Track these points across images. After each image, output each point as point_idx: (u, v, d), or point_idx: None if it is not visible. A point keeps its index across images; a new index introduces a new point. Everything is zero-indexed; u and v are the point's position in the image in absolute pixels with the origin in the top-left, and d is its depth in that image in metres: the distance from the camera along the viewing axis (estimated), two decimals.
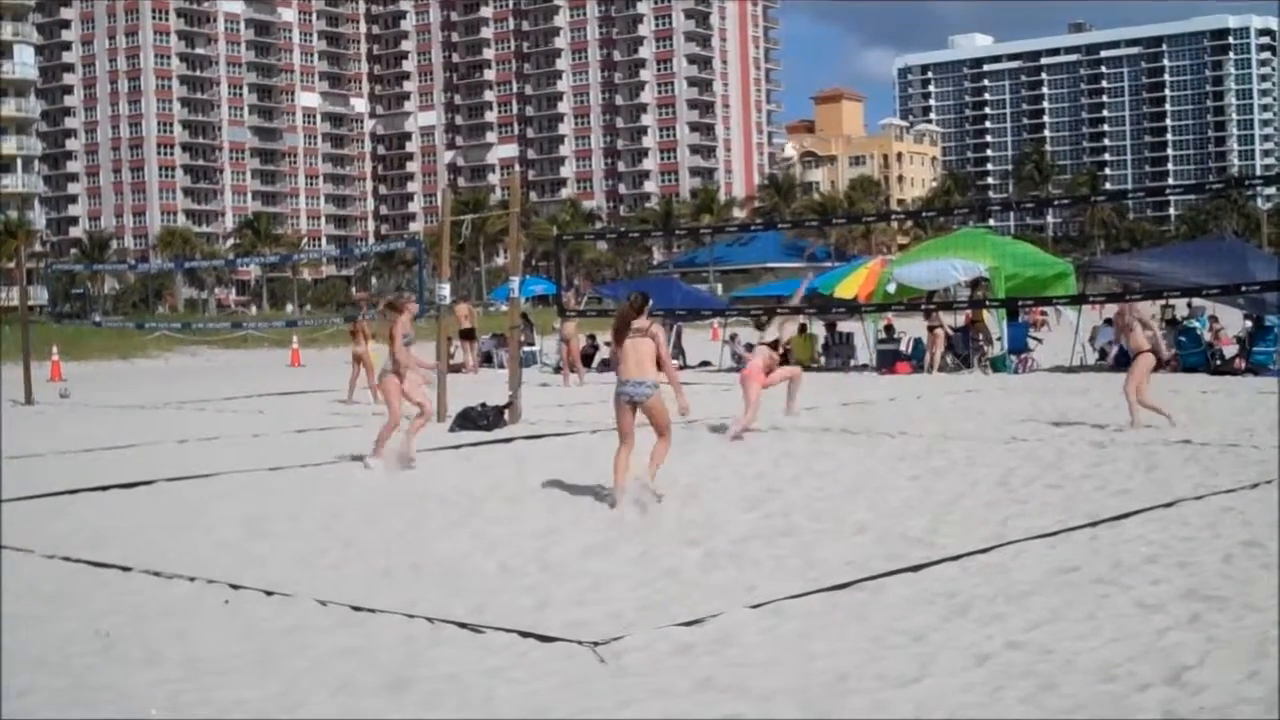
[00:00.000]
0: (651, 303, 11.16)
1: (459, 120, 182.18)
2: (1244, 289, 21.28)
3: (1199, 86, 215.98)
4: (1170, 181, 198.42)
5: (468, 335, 33.77)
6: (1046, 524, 9.29)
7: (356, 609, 7.28)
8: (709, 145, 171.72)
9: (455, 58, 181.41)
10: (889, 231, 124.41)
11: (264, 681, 5.95)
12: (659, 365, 10.71)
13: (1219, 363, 26.11)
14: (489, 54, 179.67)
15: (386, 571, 8.39)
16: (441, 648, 6.46)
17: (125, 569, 8.63)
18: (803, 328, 33.09)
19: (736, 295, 51.36)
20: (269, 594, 7.73)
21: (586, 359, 34.20)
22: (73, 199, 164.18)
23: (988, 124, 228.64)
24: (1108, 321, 34.04)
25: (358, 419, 19.89)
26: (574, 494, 11.50)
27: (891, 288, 29.29)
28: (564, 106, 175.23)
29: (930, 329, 29.26)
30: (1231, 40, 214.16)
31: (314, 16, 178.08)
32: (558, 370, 29.32)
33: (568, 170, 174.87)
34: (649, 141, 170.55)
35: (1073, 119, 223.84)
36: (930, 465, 12.78)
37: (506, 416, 18.02)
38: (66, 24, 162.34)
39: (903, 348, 30.57)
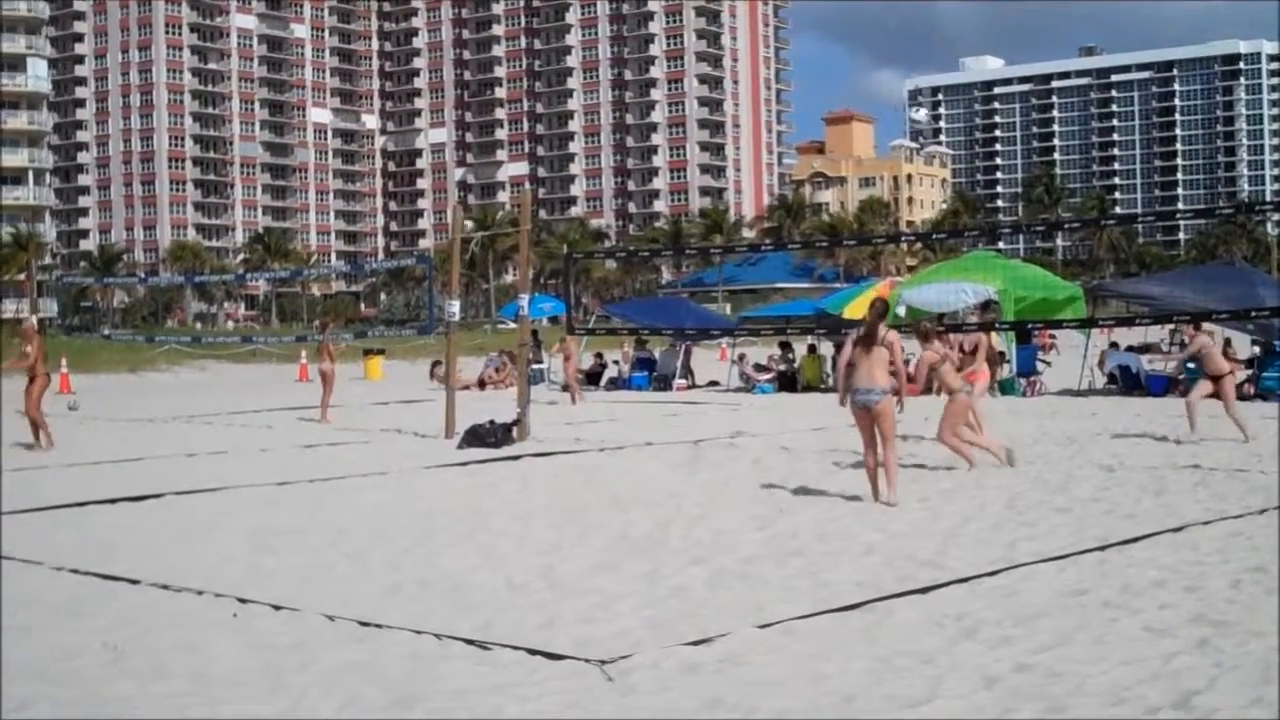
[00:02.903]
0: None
1: (470, 137, 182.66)
2: (1253, 314, 21.28)
3: (1210, 111, 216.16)
4: (1180, 206, 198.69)
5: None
6: (1055, 547, 9.28)
7: (364, 624, 7.29)
8: (719, 165, 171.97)
9: (467, 75, 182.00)
10: (898, 253, 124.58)
11: (271, 696, 5.96)
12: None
13: None
14: (500, 72, 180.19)
15: (394, 587, 8.39)
16: (449, 664, 6.46)
17: (134, 581, 8.63)
18: (812, 348, 33.09)
19: (745, 315, 51.34)
20: (277, 608, 7.73)
21: (595, 377, 34.25)
22: (84, 212, 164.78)
23: (998, 146, 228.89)
24: (1114, 345, 34.09)
25: (365, 435, 19.93)
26: (581, 511, 11.50)
27: (901, 310, 29.23)
28: (574, 125, 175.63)
29: None
30: (1243, 65, 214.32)
31: (326, 33, 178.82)
32: (565, 388, 29.34)
33: (577, 188, 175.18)
34: (659, 160, 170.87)
35: (1083, 142, 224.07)
36: (939, 487, 12.78)
37: (514, 434, 18.04)
38: (80, 37, 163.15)
39: (911, 369, 30.50)
